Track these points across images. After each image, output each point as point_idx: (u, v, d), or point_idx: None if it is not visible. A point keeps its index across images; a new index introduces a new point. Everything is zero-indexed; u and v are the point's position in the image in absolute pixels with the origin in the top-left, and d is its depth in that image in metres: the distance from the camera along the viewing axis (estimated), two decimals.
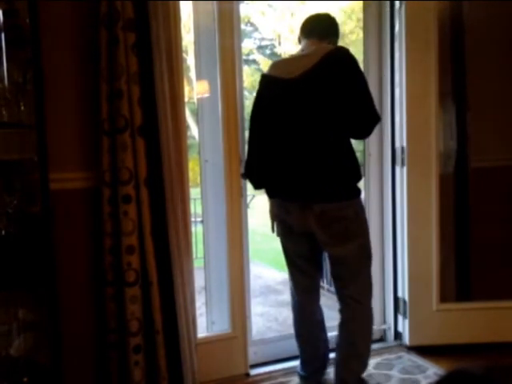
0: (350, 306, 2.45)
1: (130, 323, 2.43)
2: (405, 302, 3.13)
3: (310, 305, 2.60)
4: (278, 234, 2.57)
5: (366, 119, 2.34)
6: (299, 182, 2.36)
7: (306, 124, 2.32)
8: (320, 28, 2.50)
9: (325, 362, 2.68)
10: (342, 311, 2.48)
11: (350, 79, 2.28)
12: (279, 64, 2.59)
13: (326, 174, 2.32)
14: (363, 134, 2.48)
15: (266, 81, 2.49)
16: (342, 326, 2.48)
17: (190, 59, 4.81)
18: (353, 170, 2.35)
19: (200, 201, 3.05)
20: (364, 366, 2.54)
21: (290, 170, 2.38)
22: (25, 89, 2.13)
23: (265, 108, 2.45)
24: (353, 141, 2.40)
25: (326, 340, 2.67)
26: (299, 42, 2.55)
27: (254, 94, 2.53)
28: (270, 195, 2.53)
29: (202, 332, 2.89)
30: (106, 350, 2.48)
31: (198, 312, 2.79)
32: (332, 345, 2.66)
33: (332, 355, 2.62)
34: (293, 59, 2.52)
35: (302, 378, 2.67)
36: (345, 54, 2.31)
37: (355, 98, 2.29)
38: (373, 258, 2.52)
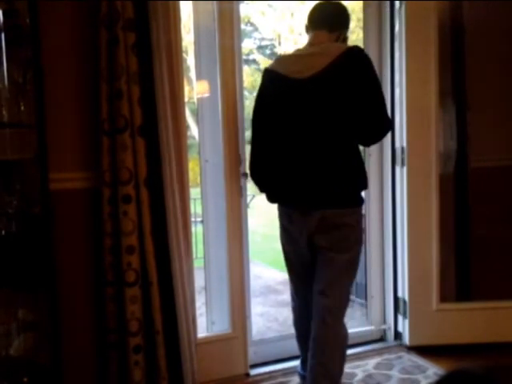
0: (325, 321, 2.30)
1: (129, 323, 2.43)
2: (405, 301, 3.13)
3: (310, 307, 2.58)
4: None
5: (379, 126, 2.28)
6: (304, 187, 2.29)
7: (315, 128, 2.25)
8: (329, 18, 2.34)
9: None
10: (315, 325, 2.33)
11: (364, 85, 2.19)
12: (286, 60, 2.43)
13: (333, 180, 2.25)
14: (373, 141, 2.42)
15: (271, 77, 2.37)
16: (315, 343, 2.31)
17: (190, 59, 4.81)
18: (360, 178, 2.30)
19: (200, 201, 3.05)
20: None
21: (295, 175, 2.30)
22: (25, 89, 2.13)
23: (268, 106, 2.36)
24: None
25: None
26: (306, 31, 2.42)
27: (255, 93, 2.43)
28: (271, 200, 2.44)
29: (202, 332, 2.89)
30: (106, 350, 2.48)
31: (198, 312, 2.79)
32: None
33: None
34: (301, 56, 2.34)
35: (302, 377, 2.66)
36: (358, 58, 2.20)
37: (369, 103, 2.21)
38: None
